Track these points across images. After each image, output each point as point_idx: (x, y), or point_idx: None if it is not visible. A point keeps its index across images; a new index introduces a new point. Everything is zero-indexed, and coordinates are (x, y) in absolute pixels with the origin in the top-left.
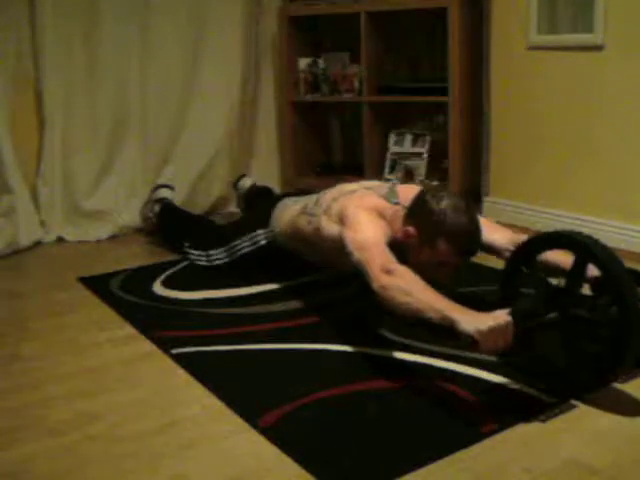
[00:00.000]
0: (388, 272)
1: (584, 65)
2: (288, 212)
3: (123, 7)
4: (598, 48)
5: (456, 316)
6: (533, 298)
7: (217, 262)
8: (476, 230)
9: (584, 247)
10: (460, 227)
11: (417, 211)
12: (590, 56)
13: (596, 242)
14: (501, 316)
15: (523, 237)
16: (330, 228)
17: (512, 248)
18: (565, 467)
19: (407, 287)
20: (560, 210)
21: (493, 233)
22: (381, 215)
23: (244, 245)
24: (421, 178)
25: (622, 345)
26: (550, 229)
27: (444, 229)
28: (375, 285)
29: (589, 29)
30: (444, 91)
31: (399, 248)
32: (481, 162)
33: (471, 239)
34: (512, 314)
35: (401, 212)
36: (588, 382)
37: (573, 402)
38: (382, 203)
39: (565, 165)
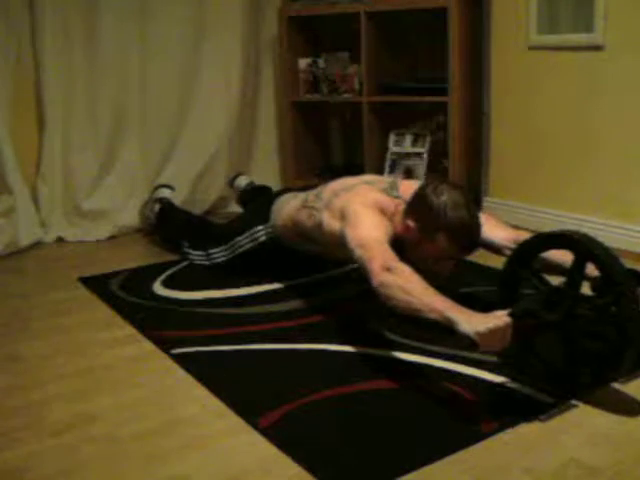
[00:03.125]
0: (388, 270)
1: (584, 65)
2: (288, 206)
3: (123, 7)
4: (598, 48)
5: (455, 316)
6: (533, 299)
7: (217, 260)
8: (476, 225)
9: (584, 247)
10: (460, 222)
11: (417, 205)
12: (590, 56)
13: (596, 242)
14: (500, 317)
15: (524, 235)
16: (331, 224)
17: (513, 246)
18: (565, 467)
19: (407, 286)
20: (560, 210)
21: (494, 230)
22: (382, 211)
23: (244, 242)
24: (421, 179)
25: (621, 346)
26: (550, 229)
27: (443, 224)
28: (375, 282)
29: (589, 29)
30: (444, 91)
31: (400, 243)
32: (481, 162)
33: (470, 234)
34: (511, 315)
35: (402, 206)
36: (587, 382)
37: (573, 402)
38: (383, 198)
39: (565, 165)
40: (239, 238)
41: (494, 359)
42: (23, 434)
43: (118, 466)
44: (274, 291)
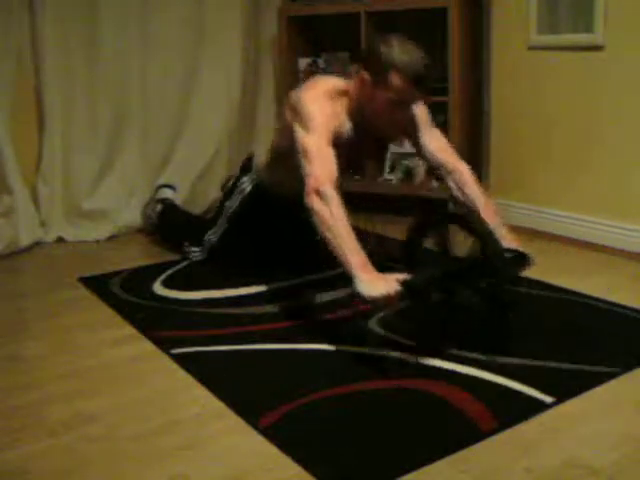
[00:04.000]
0: (320, 195)
1: (584, 65)
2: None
3: (123, 7)
4: (598, 48)
5: (356, 274)
6: (429, 272)
7: (213, 240)
8: (423, 59)
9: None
10: (408, 56)
11: (367, 55)
12: (590, 56)
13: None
14: (393, 284)
15: (460, 167)
16: (291, 121)
17: (441, 172)
18: (565, 467)
19: (330, 222)
20: (560, 210)
21: (441, 152)
22: (332, 93)
23: (233, 202)
24: (421, 178)
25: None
26: (551, 229)
27: (393, 61)
28: (307, 201)
29: (589, 29)
30: (444, 91)
31: (359, 110)
32: (481, 162)
33: (420, 65)
34: (404, 285)
35: (355, 77)
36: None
37: (573, 402)
38: (334, 81)
39: (565, 165)
40: (228, 203)
41: (496, 360)
42: (23, 434)
43: (118, 466)
44: (274, 291)
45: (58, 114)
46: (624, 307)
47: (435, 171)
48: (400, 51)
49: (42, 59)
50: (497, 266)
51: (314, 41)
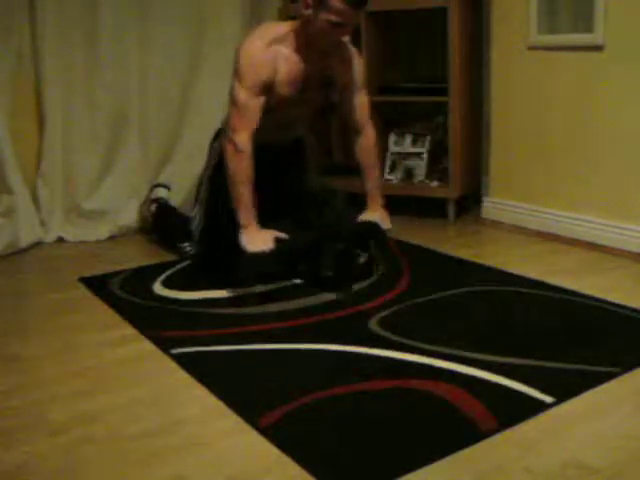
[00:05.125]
0: (235, 146)
1: (584, 65)
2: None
3: (123, 7)
4: (598, 48)
5: (244, 229)
6: (301, 241)
7: (198, 224)
8: None
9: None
10: None
11: None
12: (590, 56)
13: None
14: (269, 241)
15: (368, 131)
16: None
17: (351, 131)
18: (565, 467)
19: (235, 177)
20: (560, 210)
21: (358, 109)
22: (275, 40)
23: (210, 164)
24: (421, 178)
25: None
26: (551, 229)
27: None
28: (223, 145)
29: (589, 29)
30: (444, 91)
31: (303, 35)
32: (481, 162)
33: None
34: (277, 245)
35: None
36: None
37: (573, 402)
38: (277, 27)
39: (565, 165)
40: (206, 172)
41: (506, 361)
42: (23, 434)
43: (118, 466)
44: (274, 291)
45: (58, 114)
46: (624, 307)
47: (347, 128)
48: None
49: (42, 59)
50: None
51: None
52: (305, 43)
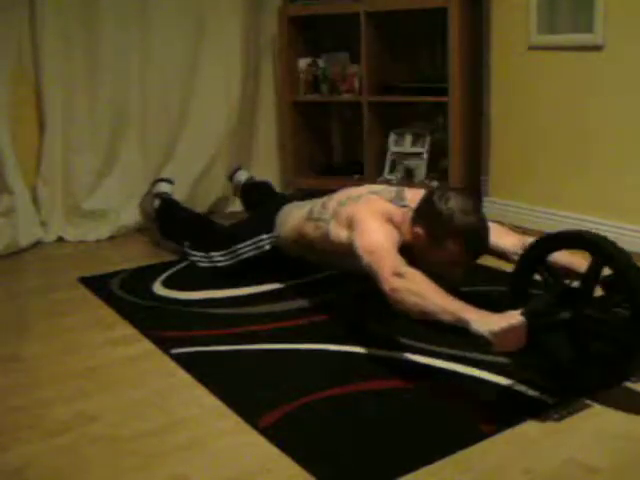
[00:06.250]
0: (399, 275)
1: (584, 65)
2: (293, 217)
3: (123, 7)
4: (598, 48)
5: (469, 317)
6: (545, 298)
7: (219, 264)
8: (484, 229)
9: (600, 248)
10: (468, 227)
11: (424, 212)
12: (590, 56)
13: (609, 241)
14: (514, 316)
15: (531, 239)
16: (339, 233)
17: (520, 252)
18: (565, 467)
19: (418, 289)
20: (560, 210)
21: (503, 237)
22: (389, 219)
23: (247, 249)
24: (421, 178)
25: (633, 346)
26: (551, 229)
27: (452, 229)
28: (386, 288)
29: (589, 29)
30: (444, 91)
31: (409, 251)
32: (481, 162)
33: (479, 238)
34: (525, 314)
35: (409, 215)
36: (595, 383)
37: (573, 402)
38: (390, 207)
39: (565, 165)
40: (241, 245)
41: (505, 360)
42: (23, 434)
43: (118, 466)
44: (274, 291)
45: (58, 114)
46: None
47: (512, 256)
48: (460, 215)
49: (42, 59)
50: (636, 288)
51: (314, 41)
52: (409, 253)
